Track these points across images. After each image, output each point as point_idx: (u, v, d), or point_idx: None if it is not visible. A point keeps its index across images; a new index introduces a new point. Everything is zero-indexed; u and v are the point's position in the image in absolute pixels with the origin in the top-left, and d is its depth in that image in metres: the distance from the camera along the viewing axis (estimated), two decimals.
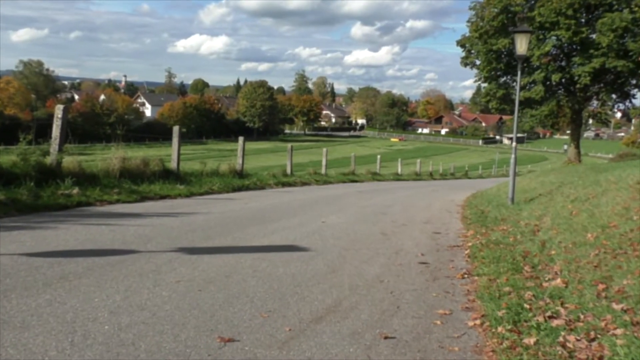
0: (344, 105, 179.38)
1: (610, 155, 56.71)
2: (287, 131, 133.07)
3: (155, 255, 5.42)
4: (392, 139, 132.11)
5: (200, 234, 6.70)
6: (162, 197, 9.96)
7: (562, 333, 3.63)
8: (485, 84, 28.49)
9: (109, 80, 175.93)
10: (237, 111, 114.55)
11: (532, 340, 3.53)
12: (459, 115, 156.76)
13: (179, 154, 12.30)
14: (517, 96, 12.30)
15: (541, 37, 25.31)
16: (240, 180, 13.66)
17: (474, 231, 8.14)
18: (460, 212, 11.48)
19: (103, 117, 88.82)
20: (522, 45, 11.49)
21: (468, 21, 27.36)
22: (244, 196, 11.54)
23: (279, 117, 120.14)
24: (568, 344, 3.44)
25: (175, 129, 12.52)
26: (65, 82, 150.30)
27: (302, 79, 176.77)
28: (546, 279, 4.90)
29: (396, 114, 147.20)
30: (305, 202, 11.29)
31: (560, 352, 3.36)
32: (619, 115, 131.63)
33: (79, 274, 4.62)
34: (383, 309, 4.31)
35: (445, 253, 6.68)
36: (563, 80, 26.18)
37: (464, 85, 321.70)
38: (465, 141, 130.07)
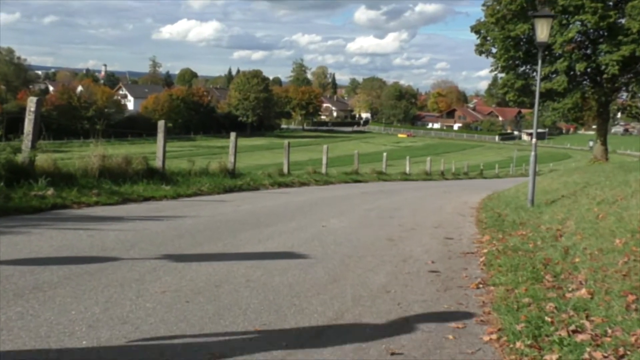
0: (346, 98, 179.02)
1: None
2: (283, 126, 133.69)
3: (138, 263, 5.47)
4: (400, 135, 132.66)
5: (187, 239, 6.72)
6: (146, 199, 10.00)
7: (588, 349, 3.64)
8: (503, 74, 28.52)
9: (87, 70, 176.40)
10: (228, 104, 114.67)
11: (554, 357, 3.55)
12: (474, 109, 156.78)
13: (164, 152, 12.31)
14: (538, 87, 12.31)
15: (564, 22, 25.35)
16: (232, 181, 13.67)
17: (489, 236, 8.16)
18: (474, 215, 11.52)
19: (81, 111, 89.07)
20: (543, 31, 11.50)
21: (483, 5, 27.41)
22: (236, 198, 11.57)
23: (275, 110, 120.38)
24: None
25: (161, 123, 12.50)
26: (39, 72, 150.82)
27: (300, 68, 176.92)
28: (570, 289, 4.93)
29: (404, 107, 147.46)
30: (303, 205, 11.32)
31: None
32: None
33: (54, 284, 4.64)
34: (389, 322, 4.35)
35: (458, 260, 6.69)
36: (588, 69, 26.21)
37: (479, 76, 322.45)
38: (481, 137, 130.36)
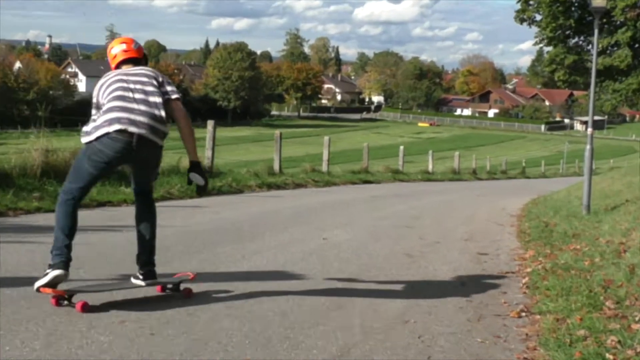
0: (353, 77, 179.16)
1: None
2: (274, 113, 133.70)
3: None
4: (421, 124, 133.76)
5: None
6: (101, 204, 10.05)
7: None
8: (550, 48, 28.50)
9: (28, 43, 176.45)
10: (205, 85, 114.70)
11: None
12: (513, 91, 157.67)
13: None
14: (594, 64, 12.30)
15: None
16: (210, 181, 13.57)
17: (534, 251, 8.23)
18: (515, 224, 11.67)
19: (19, 93, 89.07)
20: None
21: None
22: (215, 203, 11.70)
23: (264, 93, 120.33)
24: None
25: None
26: None
27: (295, 40, 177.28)
28: (636, 318, 4.97)
29: (426, 89, 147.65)
30: (299, 212, 11.49)
31: None
32: None
33: None
34: None
35: (495, 282, 6.75)
36: None
37: (520, 50, 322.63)
38: (522, 127, 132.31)
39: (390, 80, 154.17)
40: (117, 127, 5.00)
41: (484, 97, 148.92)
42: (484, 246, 9.07)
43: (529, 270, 7.10)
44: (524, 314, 5.54)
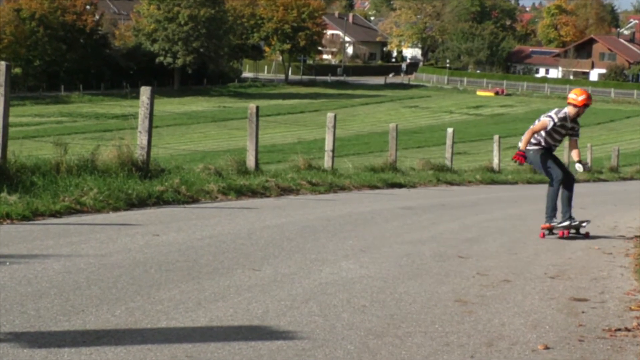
0: (373, 19, 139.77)
1: None
2: (247, 75, 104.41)
3: None
4: (481, 92, 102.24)
5: (51, 303, 5.81)
6: None
7: None
8: None
9: None
10: (136, 31, 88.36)
11: None
12: (631, 40, 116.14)
13: (5, 125, 10.90)
14: None
15: None
16: (145, 184, 12.01)
17: None
18: (632, 253, 10.52)
19: None
20: None
21: None
22: (153, 219, 10.37)
23: (230, 43, 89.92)
24: None
25: None
26: None
27: None
28: None
29: (490, 36, 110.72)
30: (287, 232, 10.20)
31: None
32: None
33: None
34: None
35: (599, 345, 5.76)
36: None
37: None
38: None
39: (433, 24, 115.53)
40: None
41: (584, 50, 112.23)
42: (582, 288, 7.87)
43: None
44: None
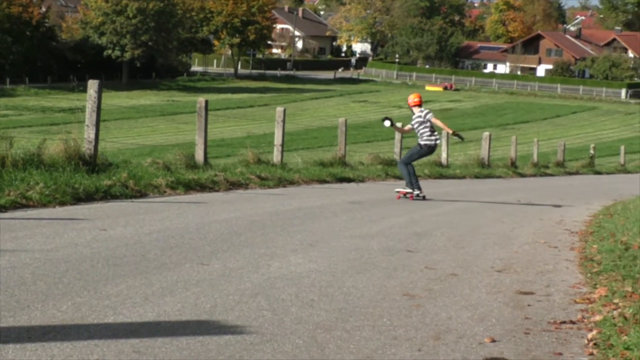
0: (323, 14, 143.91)
1: None
2: (197, 69, 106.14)
3: None
4: (430, 87, 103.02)
5: None
6: None
7: None
8: None
9: None
10: (83, 24, 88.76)
11: None
12: (577, 36, 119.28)
13: None
14: None
15: None
16: (92, 179, 11.97)
17: (606, 289, 7.29)
18: (577, 247, 10.69)
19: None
20: None
21: None
22: (101, 213, 10.30)
23: (179, 37, 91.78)
24: None
25: None
26: None
27: None
28: None
29: (438, 32, 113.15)
30: (236, 226, 10.22)
31: None
32: None
33: None
34: None
35: (545, 338, 5.88)
36: None
37: None
38: (591, 92, 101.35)
39: (382, 19, 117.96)
40: None
41: (531, 46, 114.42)
42: (528, 281, 7.97)
43: (598, 318, 6.31)
44: None
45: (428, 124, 14.36)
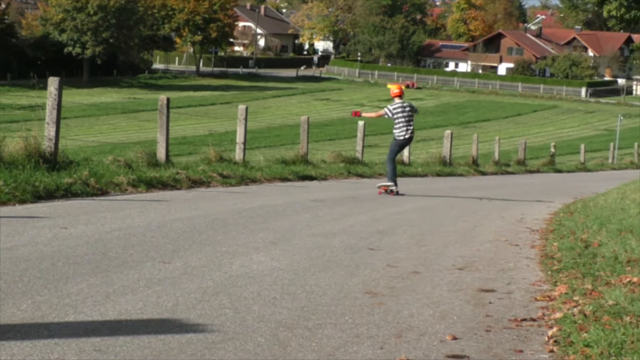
0: (285, 12, 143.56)
1: None
2: (158, 66, 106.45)
3: None
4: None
5: None
6: None
7: None
8: None
9: None
10: (43, 21, 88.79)
11: None
12: (538, 35, 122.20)
13: None
14: None
15: None
16: (53, 177, 11.86)
17: (567, 287, 7.35)
18: (538, 245, 10.61)
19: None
20: None
21: None
22: (61, 212, 10.16)
23: (141, 34, 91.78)
24: None
25: None
26: None
27: None
28: None
29: (400, 30, 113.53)
30: (198, 226, 10.12)
31: None
32: None
33: None
34: None
35: (506, 335, 5.98)
36: None
37: None
38: (552, 90, 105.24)
39: (344, 17, 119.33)
40: None
41: (492, 45, 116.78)
42: (489, 279, 8.04)
43: (558, 316, 6.38)
44: None
45: (407, 114, 15.28)
